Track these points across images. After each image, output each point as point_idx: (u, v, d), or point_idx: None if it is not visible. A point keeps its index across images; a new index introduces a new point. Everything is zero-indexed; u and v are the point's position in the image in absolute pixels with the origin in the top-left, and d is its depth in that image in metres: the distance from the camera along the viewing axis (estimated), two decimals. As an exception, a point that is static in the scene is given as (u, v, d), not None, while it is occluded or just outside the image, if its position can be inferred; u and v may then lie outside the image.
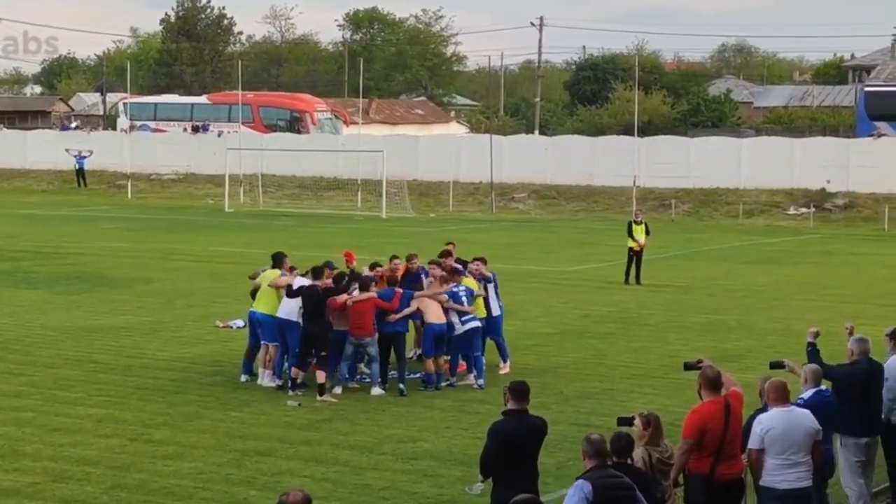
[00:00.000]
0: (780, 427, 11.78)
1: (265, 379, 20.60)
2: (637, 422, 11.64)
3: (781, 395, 11.96)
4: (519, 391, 11.70)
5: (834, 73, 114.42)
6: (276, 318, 20.40)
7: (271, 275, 20.92)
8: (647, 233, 35.28)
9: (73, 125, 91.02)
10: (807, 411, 12.10)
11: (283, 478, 15.56)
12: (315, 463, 16.25)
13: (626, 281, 34.44)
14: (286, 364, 20.56)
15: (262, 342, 20.71)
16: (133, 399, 19.69)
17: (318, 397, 19.49)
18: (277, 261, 21.15)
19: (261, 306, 20.81)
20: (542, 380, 20.91)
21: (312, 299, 19.74)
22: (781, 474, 11.78)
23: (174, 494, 14.91)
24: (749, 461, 12.04)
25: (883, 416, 14.02)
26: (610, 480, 10.21)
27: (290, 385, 19.82)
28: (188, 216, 57.50)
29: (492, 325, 21.73)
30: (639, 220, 35.74)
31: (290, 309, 20.22)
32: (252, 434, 17.68)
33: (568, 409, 19.28)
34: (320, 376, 19.60)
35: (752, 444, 11.89)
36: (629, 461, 10.82)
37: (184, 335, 25.51)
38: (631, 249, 34.74)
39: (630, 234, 34.88)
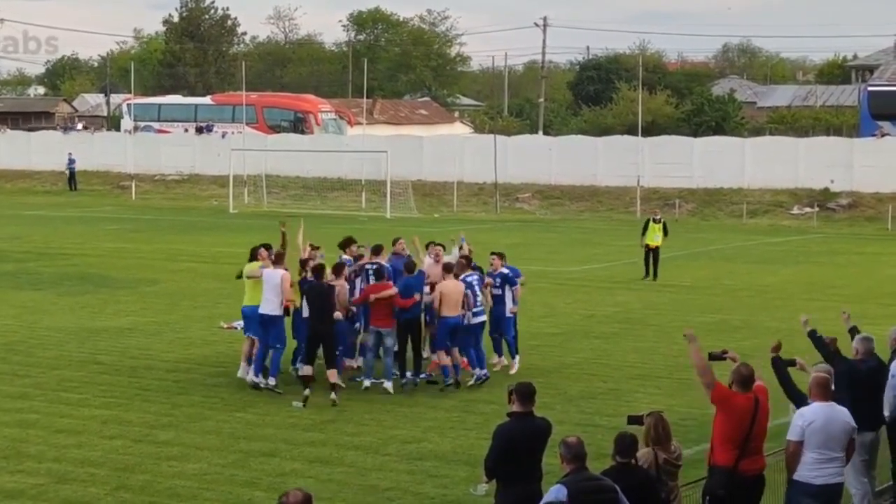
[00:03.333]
0: (820, 421, 11.83)
1: (242, 371, 20.59)
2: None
3: (824, 391, 12.00)
4: (525, 393, 11.62)
5: (837, 72, 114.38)
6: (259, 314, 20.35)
7: (252, 267, 20.83)
8: (666, 233, 35.72)
9: (80, 126, 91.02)
10: (845, 409, 12.12)
11: (288, 478, 15.56)
12: (320, 464, 16.26)
13: (647, 276, 34.99)
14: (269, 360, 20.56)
15: (247, 335, 20.69)
16: (137, 400, 19.71)
17: (332, 394, 19.33)
18: (253, 255, 21.03)
19: (248, 300, 20.79)
20: (546, 380, 20.91)
21: (318, 296, 19.66)
22: (817, 469, 11.82)
23: (178, 495, 14.92)
24: (786, 453, 12.04)
25: (888, 413, 14.03)
26: (588, 484, 10.15)
27: (304, 384, 19.59)
28: (192, 217, 57.54)
29: (500, 323, 21.85)
30: (658, 218, 36.19)
31: (272, 305, 20.17)
32: (257, 435, 17.69)
33: (572, 409, 19.28)
34: (331, 375, 19.49)
35: (793, 435, 11.90)
36: (633, 461, 10.79)
37: (188, 336, 25.52)
38: (647, 246, 35.16)
39: (644, 232, 35.38)
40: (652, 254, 35.16)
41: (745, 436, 11.67)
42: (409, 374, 20.64)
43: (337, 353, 20.03)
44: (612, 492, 10.18)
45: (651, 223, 35.58)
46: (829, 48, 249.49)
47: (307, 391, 19.43)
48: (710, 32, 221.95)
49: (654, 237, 35.20)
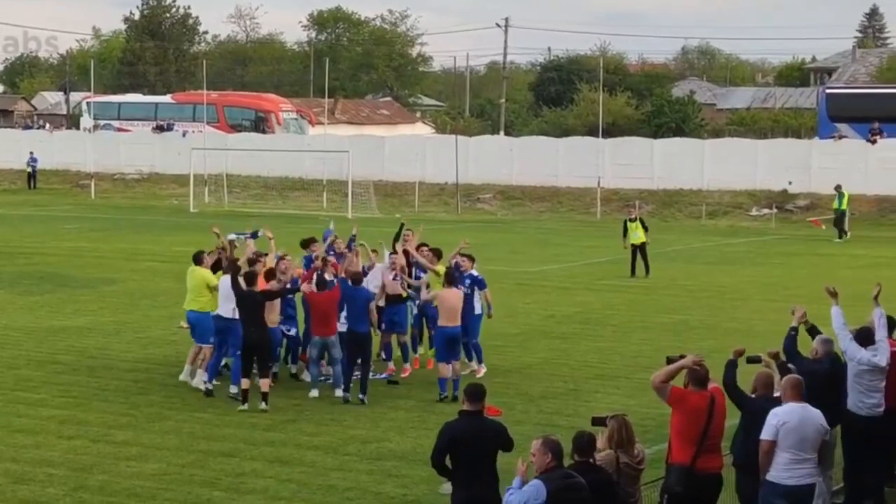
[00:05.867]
0: (795, 421, 11.94)
1: (196, 377, 20.39)
2: (599, 442, 11.45)
3: (797, 392, 12.11)
4: (472, 393, 11.77)
5: (796, 75, 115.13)
6: (218, 318, 20.18)
7: (201, 274, 20.69)
8: (646, 228, 36.37)
9: (43, 124, 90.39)
10: (818, 411, 12.23)
11: (247, 479, 15.57)
12: (279, 464, 16.26)
13: (633, 274, 35.67)
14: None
15: (197, 343, 20.54)
16: (96, 400, 19.64)
17: (263, 405, 18.97)
18: (197, 261, 20.93)
19: (193, 305, 20.66)
20: (506, 380, 20.99)
21: (249, 304, 19.29)
22: (789, 470, 11.92)
23: (137, 495, 14.89)
24: (760, 453, 12.12)
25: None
26: (565, 482, 10.32)
27: (241, 398, 19.24)
28: (152, 216, 57.29)
29: (469, 327, 21.53)
30: (633, 217, 36.88)
31: (227, 307, 20.03)
32: (216, 435, 17.67)
33: (532, 409, 19.36)
34: (264, 384, 19.12)
35: (767, 434, 11.99)
36: (591, 460, 10.85)
37: (148, 336, 25.44)
38: (633, 245, 35.93)
39: (624, 234, 36.15)
40: (639, 251, 35.92)
41: (702, 434, 11.77)
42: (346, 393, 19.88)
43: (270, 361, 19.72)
44: (585, 490, 10.35)
45: (628, 223, 36.29)
46: (787, 50, 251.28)
47: (245, 406, 19.05)
48: (670, 34, 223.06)
49: (635, 235, 35.98)
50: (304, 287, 20.23)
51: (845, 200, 50.07)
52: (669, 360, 12.85)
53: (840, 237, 49.15)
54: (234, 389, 19.79)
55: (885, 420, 14.48)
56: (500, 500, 10.83)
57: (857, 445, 14.34)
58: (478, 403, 11.66)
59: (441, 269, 21.08)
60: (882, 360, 14.32)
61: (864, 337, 14.48)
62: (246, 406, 19.04)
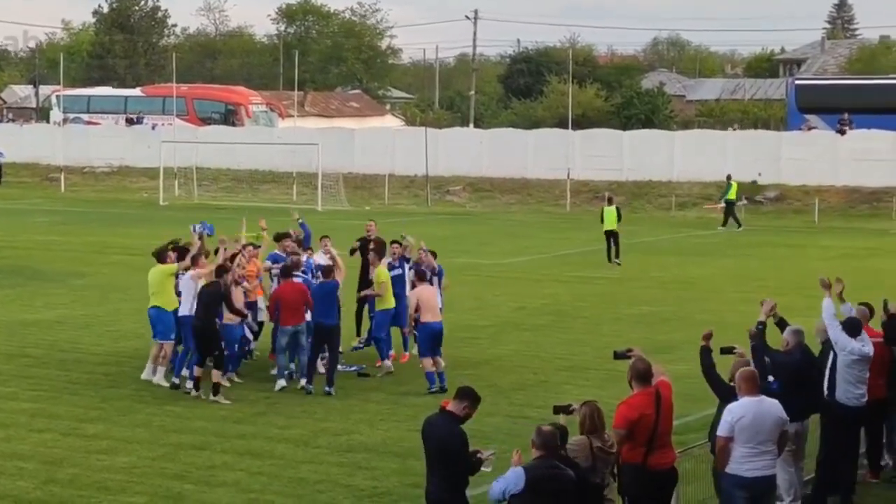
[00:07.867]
0: (749, 416, 11.94)
1: (157, 375, 20.33)
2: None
3: (752, 385, 12.12)
4: (459, 393, 11.57)
5: (765, 66, 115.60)
6: (178, 316, 20.16)
7: (165, 269, 20.55)
8: (619, 217, 37.09)
9: (13, 118, 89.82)
10: (775, 401, 12.25)
11: (218, 471, 15.58)
12: (250, 456, 16.27)
13: (609, 260, 36.46)
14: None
15: (155, 340, 20.42)
16: (67, 393, 19.61)
17: (212, 396, 19.07)
18: (160, 258, 20.74)
19: (154, 302, 20.49)
20: (476, 372, 21.06)
21: (213, 297, 19.35)
22: (747, 463, 11.95)
23: (108, 489, 14.89)
24: (716, 448, 12.18)
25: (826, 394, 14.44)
26: (547, 472, 10.35)
27: (194, 386, 19.46)
28: (122, 209, 57.09)
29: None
30: (610, 205, 37.72)
31: (186, 307, 19.98)
32: (187, 428, 17.66)
33: (502, 400, 19.42)
34: (215, 375, 19.22)
35: (722, 431, 12.03)
36: (562, 452, 10.86)
37: (118, 329, 25.40)
38: (607, 232, 36.64)
39: (602, 219, 37.01)
40: (612, 238, 36.58)
41: (652, 432, 11.74)
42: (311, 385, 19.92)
43: (226, 353, 19.66)
44: (569, 482, 10.38)
45: (605, 208, 37.10)
46: (757, 42, 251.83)
47: (195, 392, 19.28)
48: (639, 26, 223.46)
49: (609, 221, 36.60)
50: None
51: (733, 190, 50.91)
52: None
53: (724, 225, 50.48)
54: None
55: (867, 411, 14.64)
56: (453, 500, 10.94)
57: (846, 437, 14.45)
58: (458, 404, 11.38)
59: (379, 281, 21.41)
60: (870, 349, 14.48)
61: (853, 327, 14.59)
62: (197, 392, 19.28)
